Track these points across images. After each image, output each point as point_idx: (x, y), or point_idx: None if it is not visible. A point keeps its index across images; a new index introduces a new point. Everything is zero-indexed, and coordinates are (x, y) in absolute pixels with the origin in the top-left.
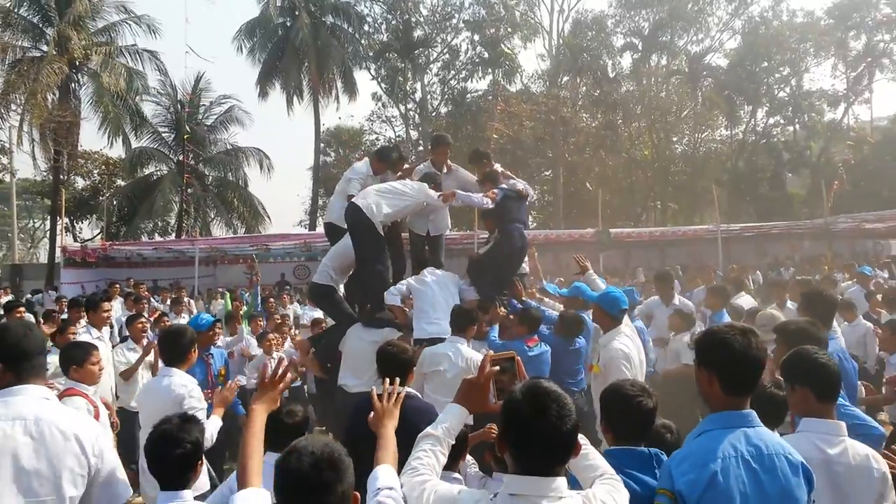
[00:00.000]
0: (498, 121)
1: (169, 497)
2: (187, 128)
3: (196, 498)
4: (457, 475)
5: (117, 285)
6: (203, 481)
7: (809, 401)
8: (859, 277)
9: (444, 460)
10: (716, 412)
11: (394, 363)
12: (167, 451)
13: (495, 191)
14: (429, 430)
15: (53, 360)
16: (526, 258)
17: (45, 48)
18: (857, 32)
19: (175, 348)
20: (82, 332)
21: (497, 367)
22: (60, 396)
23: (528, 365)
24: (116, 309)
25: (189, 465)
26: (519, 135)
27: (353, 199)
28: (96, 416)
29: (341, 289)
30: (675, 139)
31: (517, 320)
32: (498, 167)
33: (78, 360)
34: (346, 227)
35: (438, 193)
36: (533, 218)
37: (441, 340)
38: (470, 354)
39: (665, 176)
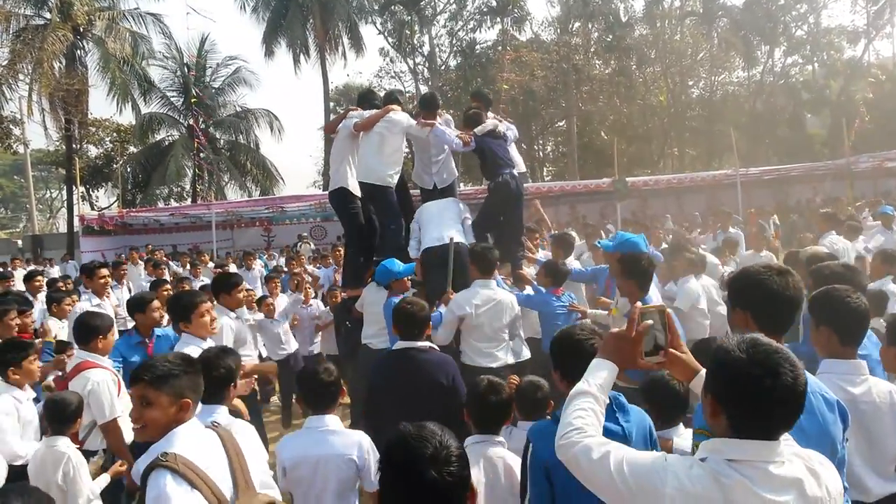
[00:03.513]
0: (508, 71)
1: (209, 410)
2: (194, 91)
3: None
4: (500, 438)
5: (135, 251)
6: None
7: (832, 342)
8: (882, 218)
9: (603, 420)
10: None
11: (411, 320)
12: (207, 373)
13: (470, 135)
14: (581, 386)
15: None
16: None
17: (48, 15)
18: None
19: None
20: (83, 301)
21: (649, 322)
22: (77, 369)
23: (558, 316)
24: (139, 274)
25: (224, 386)
26: (530, 85)
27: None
28: (119, 388)
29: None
30: (690, 83)
31: (543, 272)
32: (490, 115)
33: (104, 330)
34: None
35: (415, 123)
36: (547, 170)
37: (444, 248)
38: (500, 296)
39: (681, 121)
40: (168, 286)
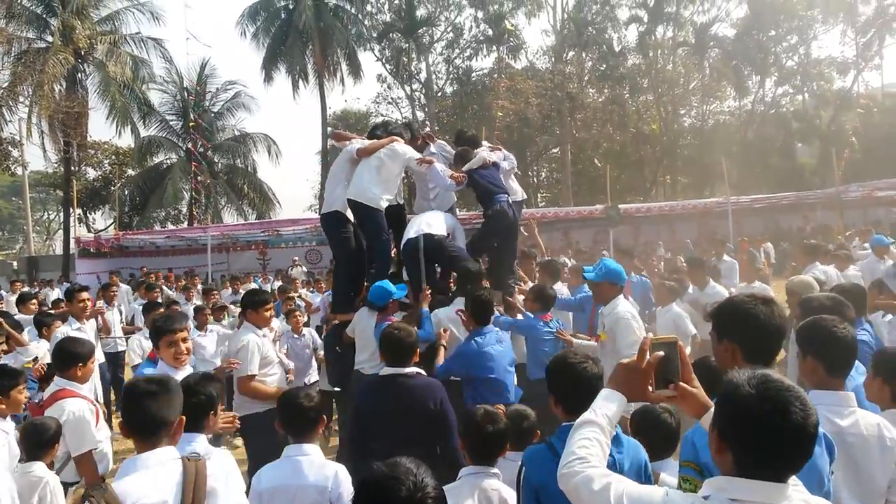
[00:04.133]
0: (503, 98)
1: (188, 438)
2: (192, 116)
3: None
4: (495, 470)
5: (115, 275)
6: None
7: (819, 373)
8: (878, 249)
9: (608, 452)
10: None
11: (398, 346)
12: (186, 400)
13: (462, 173)
14: (588, 415)
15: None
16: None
17: (49, 39)
18: None
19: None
20: (63, 326)
21: (661, 353)
22: (54, 398)
23: (545, 342)
24: (123, 297)
25: (204, 414)
26: (525, 112)
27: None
28: (97, 418)
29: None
30: (683, 112)
31: (531, 297)
32: (485, 145)
33: (84, 357)
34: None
35: (417, 157)
36: (541, 196)
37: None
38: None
39: (674, 150)
40: (161, 310)
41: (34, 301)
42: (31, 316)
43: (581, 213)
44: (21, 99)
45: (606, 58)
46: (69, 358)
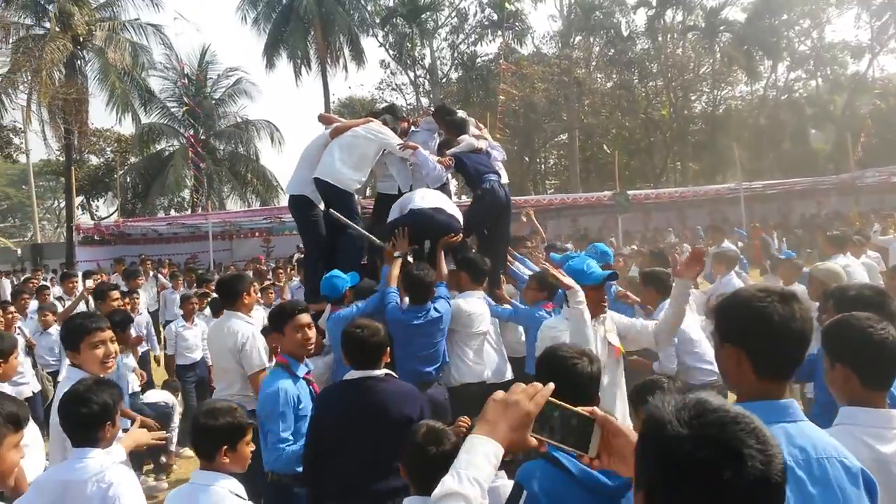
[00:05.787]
0: (508, 83)
1: (80, 453)
2: (185, 100)
3: None
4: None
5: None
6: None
7: (852, 385)
8: None
9: None
10: (745, 401)
11: (361, 347)
12: (76, 409)
13: (449, 158)
14: (449, 483)
15: None
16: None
17: (47, 25)
18: None
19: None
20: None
21: (552, 386)
22: None
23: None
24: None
25: (96, 425)
26: (531, 98)
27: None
28: None
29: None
30: (693, 97)
31: (534, 284)
32: (473, 132)
33: (4, 353)
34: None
35: (399, 143)
36: (549, 184)
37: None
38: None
39: (684, 135)
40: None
41: (24, 296)
42: None
43: (589, 199)
44: (20, 86)
45: (614, 42)
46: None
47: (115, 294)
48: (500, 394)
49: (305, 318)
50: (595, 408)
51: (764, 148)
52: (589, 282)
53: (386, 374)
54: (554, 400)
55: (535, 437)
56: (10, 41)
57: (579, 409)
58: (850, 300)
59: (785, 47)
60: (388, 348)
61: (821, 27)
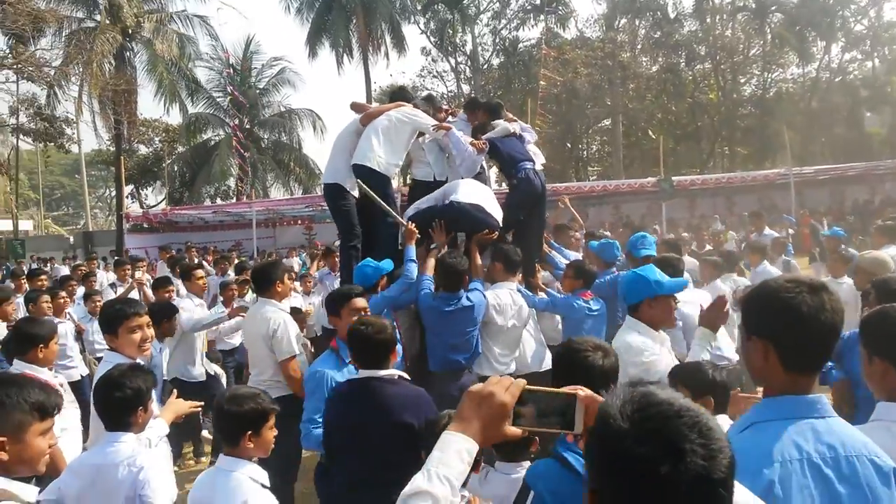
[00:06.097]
0: (550, 68)
1: (112, 437)
2: (230, 90)
3: None
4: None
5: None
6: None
7: (890, 379)
8: None
9: None
10: (772, 396)
11: (366, 345)
12: (110, 393)
13: (483, 142)
14: (419, 483)
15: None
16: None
17: (98, 18)
18: None
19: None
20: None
21: (523, 382)
22: None
23: (584, 320)
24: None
25: (129, 410)
26: (574, 83)
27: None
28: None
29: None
30: (742, 80)
31: (572, 273)
32: (507, 118)
33: (45, 339)
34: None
35: (433, 124)
36: (592, 170)
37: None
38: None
39: (733, 120)
40: (172, 287)
41: (42, 277)
42: None
43: (632, 186)
44: (72, 78)
45: (661, 24)
46: (28, 340)
47: (200, 272)
48: (476, 387)
49: (361, 302)
50: (578, 387)
51: (815, 132)
52: (662, 292)
53: (399, 377)
54: (531, 387)
55: (516, 428)
56: (63, 34)
57: (559, 389)
58: (894, 292)
59: (839, 27)
60: (396, 346)
61: (879, 5)
